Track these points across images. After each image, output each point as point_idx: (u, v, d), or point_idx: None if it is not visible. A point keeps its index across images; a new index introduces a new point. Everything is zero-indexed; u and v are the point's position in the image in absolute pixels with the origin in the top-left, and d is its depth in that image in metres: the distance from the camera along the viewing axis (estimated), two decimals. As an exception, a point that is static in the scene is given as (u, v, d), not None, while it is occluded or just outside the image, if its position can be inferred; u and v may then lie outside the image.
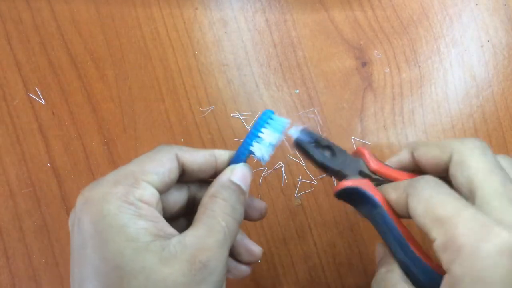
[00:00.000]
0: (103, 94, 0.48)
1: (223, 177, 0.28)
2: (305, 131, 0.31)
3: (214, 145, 0.48)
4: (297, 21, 0.50)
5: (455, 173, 0.26)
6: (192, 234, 0.25)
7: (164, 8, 0.49)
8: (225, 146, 0.48)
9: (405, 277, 0.27)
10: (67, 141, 0.48)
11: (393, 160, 0.31)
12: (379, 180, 0.30)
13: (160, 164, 0.26)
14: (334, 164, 0.30)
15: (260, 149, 0.29)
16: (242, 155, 0.29)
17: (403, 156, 0.31)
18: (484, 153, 0.26)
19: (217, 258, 0.24)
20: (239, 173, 0.28)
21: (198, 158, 0.29)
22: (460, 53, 0.50)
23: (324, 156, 0.31)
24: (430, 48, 0.50)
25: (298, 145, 0.31)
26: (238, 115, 0.48)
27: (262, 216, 0.33)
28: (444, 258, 0.23)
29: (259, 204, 0.33)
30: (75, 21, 0.48)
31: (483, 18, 0.50)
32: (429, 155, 0.28)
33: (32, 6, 0.48)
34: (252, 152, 0.29)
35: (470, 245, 0.22)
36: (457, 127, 0.50)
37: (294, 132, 0.30)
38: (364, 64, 0.50)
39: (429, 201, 0.24)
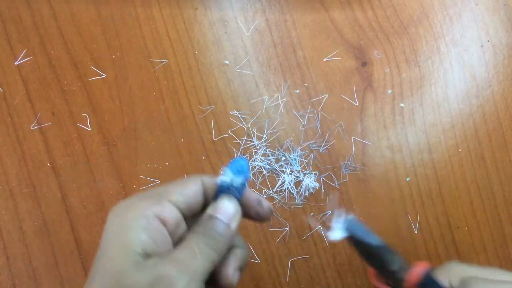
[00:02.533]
0: (103, 94, 0.48)
1: (205, 212, 0.30)
2: (352, 221, 0.30)
3: (214, 145, 0.48)
4: (297, 21, 0.50)
5: None
6: (168, 254, 0.27)
7: (164, 8, 0.49)
8: (225, 146, 0.48)
9: None
10: (67, 141, 0.48)
11: None
12: None
13: (185, 187, 0.30)
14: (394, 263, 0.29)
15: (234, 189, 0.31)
16: (220, 193, 0.31)
17: None
18: None
19: (184, 275, 0.25)
20: (218, 207, 0.30)
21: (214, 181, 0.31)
22: (460, 53, 0.50)
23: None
24: (430, 48, 0.50)
25: (352, 237, 0.30)
26: (237, 114, 0.48)
27: (261, 214, 0.33)
28: None
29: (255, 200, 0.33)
30: (75, 21, 0.48)
31: (483, 18, 0.50)
32: None
33: (32, 6, 0.48)
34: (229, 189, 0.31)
35: None
36: (457, 127, 0.50)
37: (343, 223, 0.30)
38: (364, 64, 0.50)
39: None
